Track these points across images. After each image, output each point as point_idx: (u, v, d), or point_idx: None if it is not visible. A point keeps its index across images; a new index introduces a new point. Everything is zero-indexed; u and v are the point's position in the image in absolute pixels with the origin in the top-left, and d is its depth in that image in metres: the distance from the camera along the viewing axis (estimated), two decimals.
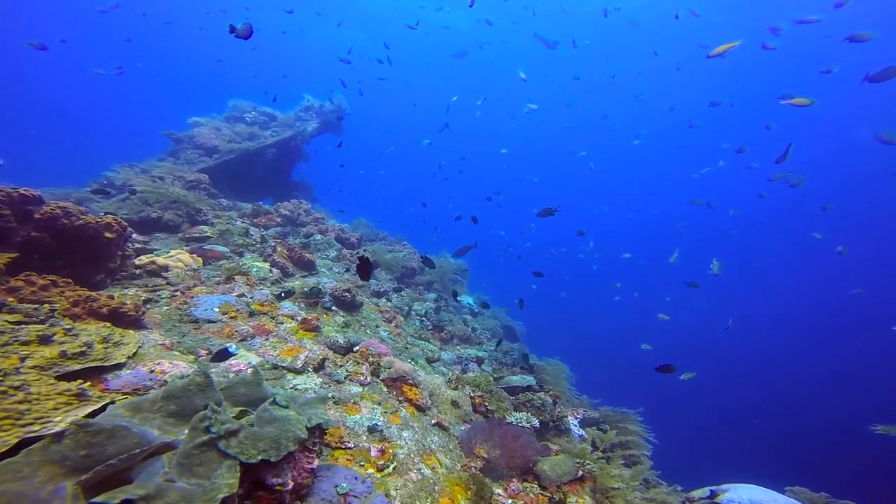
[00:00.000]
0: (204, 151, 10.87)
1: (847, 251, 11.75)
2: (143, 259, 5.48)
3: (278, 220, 8.86)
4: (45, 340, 2.77)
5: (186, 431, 2.17)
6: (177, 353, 3.56)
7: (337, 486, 2.46)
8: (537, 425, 4.70)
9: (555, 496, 3.54)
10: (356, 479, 2.59)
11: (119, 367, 3.03)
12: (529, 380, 6.08)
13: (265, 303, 4.95)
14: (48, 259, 4.56)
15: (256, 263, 6.11)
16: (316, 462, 2.34)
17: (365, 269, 3.99)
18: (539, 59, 31.98)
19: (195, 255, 5.90)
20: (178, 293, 4.74)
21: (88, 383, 2.51)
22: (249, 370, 2.57)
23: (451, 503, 3.10)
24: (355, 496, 2.46)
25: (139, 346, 3.30)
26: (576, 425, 5.24)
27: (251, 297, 4.98)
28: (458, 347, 7.39)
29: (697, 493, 4.48)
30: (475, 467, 3.53)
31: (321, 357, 4.12)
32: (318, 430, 2.45)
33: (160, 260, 5.50)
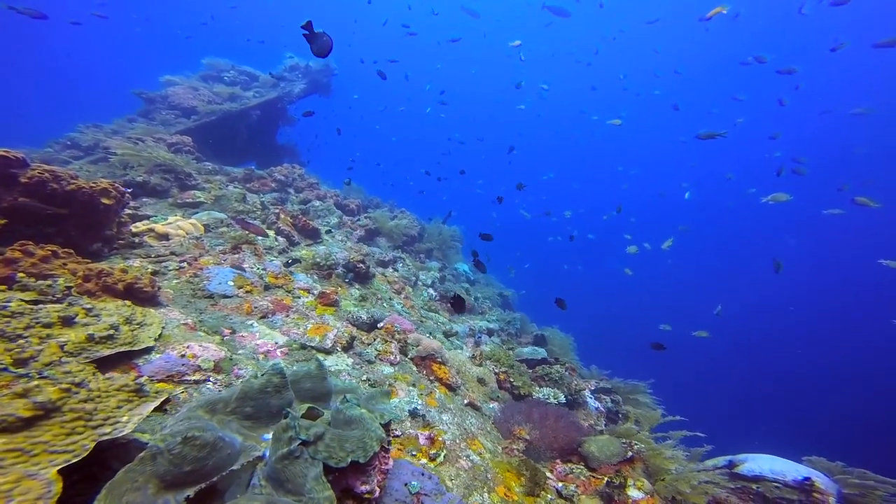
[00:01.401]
0: (181, 112, 10.12)
1: None
2: (140, 226, 5.09)
3: (273, 185, 8.41)
4: (67, 322, 2.50)
5: (270, 440, 2.01)
6: (201, 333, 3.33)
7: (407, 485, 2.36)
8: (564, 401, 4.72)
9: (614, 480, 3.49)
10: (422, 475, 2.49)
11: (148, 350, 2.79)
12: (541, 352, 6.09)
13: (279, 275, 4.69)
14: (37, 227, 4.15)
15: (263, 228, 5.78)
16: (391, 462, 2.22)
17: (460, 304, 4.48)
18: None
19: (197, 222, 5.52)
20: (185, 264, 4.42)
21: (131, 372, 2.28)
22: (313, 364, 2.38)
23: (507, 491, 3.06)
24: (426, 494, 2.37)
25: (163, 327, 3.05)
26: (591, 398, 5.30)
27: (263, 269, 4.71)
28: (464, 318, 7.33)
29: (711, 463, 4.64)
30: (518, 450, 3.49)
31: (350, 336, 3.95)
32: (387, 427, 2.32)
33: (159, 227, 5.12)
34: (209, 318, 3.59)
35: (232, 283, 4.16)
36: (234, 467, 1.78)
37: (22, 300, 2.49)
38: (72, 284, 3.00)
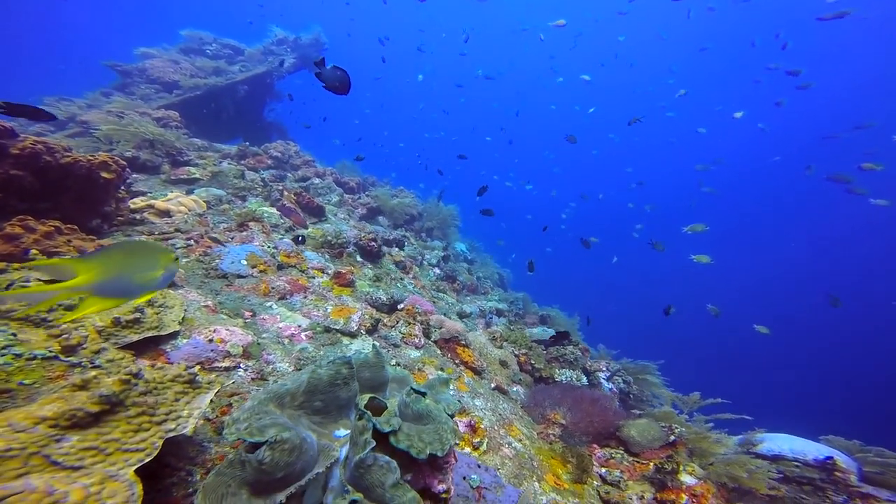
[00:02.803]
0: (162, 87, 9.60)
1: None
2: (139, 202, 4.81)
3: (269, 161, 8.08)
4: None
5: (343, 438, 1.90)
6: (223, 315, 3.16)
7: (467, 479, 2.28)
8: (586, 383, 4.71)
9: (665, 465, 3.40)
10: (479, 467, 2.42)
11: (174, 336, 2.61)
12: (550, 332, 6.07)
13: (291, 254, 4.50)
14: (31, 201, 3.87)
15: (265, 209, 5.54)
16: (455, 457, 2.13)
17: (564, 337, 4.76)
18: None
19: (198, 199, 5.24)
20: (192, 242, 4.19)
21: (160, 359, 2.12)
22: (370, 351, 2.26)
23: (557, 479, 3.01)
24: (486, 488, 2.30)
25: (185, 310, 2.87)
26: (605, 379, 5.31)
27: (274, 247, 4.51)
28: (469, 298, 7.26)
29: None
30: (553, 435, 3.45)
31: (373, 318, 3.82)
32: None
33: (159, 203, 4.84)
34: (227, 299, 3.41)
35: (245, 262, 3.96)
36: (319, 470, 1.66)
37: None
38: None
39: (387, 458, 1.69)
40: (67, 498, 1.40)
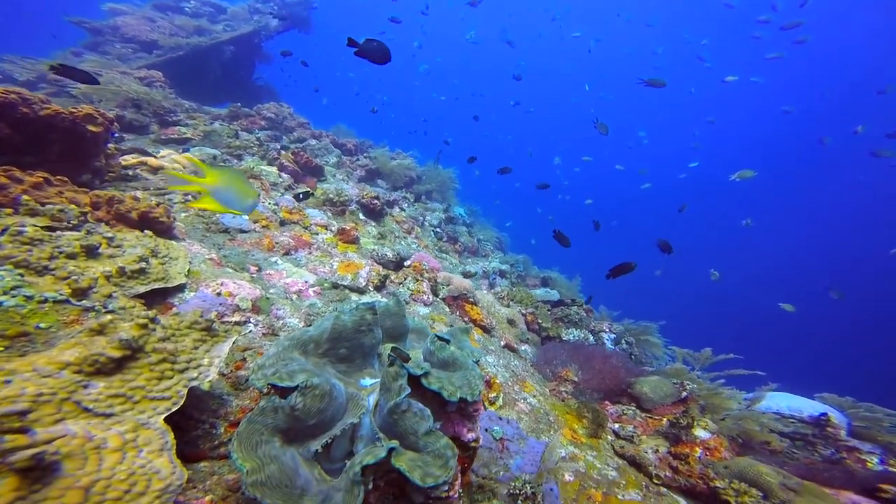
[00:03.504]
0: (139, 46, 9.03)
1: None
2: (130, 159, 4.59)
3: (262, 123, 7.77)
4: (91, 253, 2.17)
5: (370, 387, 1.83)
6: (229, 269, 3.04)
7: (490, 431, 2.25)
8: (594, 342, 4.71)
9: (680, 420, 3.42)
10: (500, 419, 2.39)
11: (181, 288, 2.50)
12: (554, 293, 6.05)
13: (293, 210, 4.35)
14: (12, 154, 3.65)
15: (263, 167, 5.34)
16: (483, 405, 2.09)
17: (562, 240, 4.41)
18: None
19: (192, 157, 5.03)
20: (190, 198, 4.03)
21: (168, 312, 2.01)
22: (392, 300, 2.18)
23: (573, 434, 3.01)
24: (509, 440, 2.27)
25: (190, 262, 2.75)
26: (610, 340, 5.33)
27: (275, 204, 4.36)
28: (471, 260, 7.19)
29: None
30: (566, 392, 3.43)
31: (381, 274, 3.73)
32: None
33: (152, 161, 4.63)
34: (231, 253, 3.29)
35: (246, 217, 3.82)
36: (353, 420, 1.60)
37: (35, 226, 2.14)
38: (86, 210, 2.63)
39: (420, 405, 1.63)
40: (107, 444, 1.34)
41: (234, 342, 1.85)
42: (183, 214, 3.68)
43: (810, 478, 3.61)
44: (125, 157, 4.57)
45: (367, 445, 1.69)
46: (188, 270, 2.63)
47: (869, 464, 4.34)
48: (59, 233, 2.19)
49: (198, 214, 3.72)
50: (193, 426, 1.94)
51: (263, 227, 3.86)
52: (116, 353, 1.43)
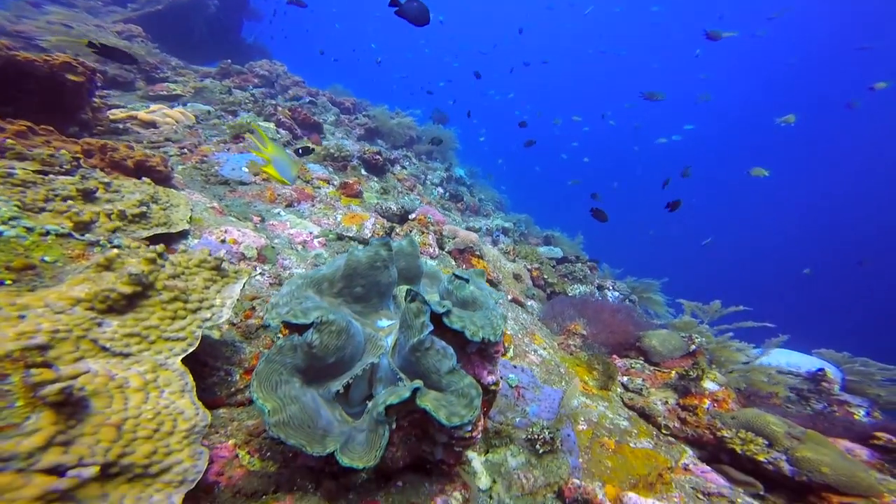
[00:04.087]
0: None
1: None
2: (119, 113, 4.37)
3: (255, 80, 7.44)
4: (88, 196, 2.05)
5: (392, 331, 1.75)
6: (232, 218, 2.93)
7: (505, 378, 2.21)
8: (600, 298, 4.68)
9: (690, 372, 3.41)
10: (515, 367, 2.35)
11: (184, 235, 2.40)
12: (557, 251, 5.99)
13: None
14: None
15: (260, 123, 5.13)
16: (503, 348, 2.03)
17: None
18: None
19: (186, 112, 4.81)
20: (186, 151, 3.86)
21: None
22: (405, 240, 2.09)
23: (584, 385, 2.99)
24: (524, 388, 2.23)
25: (191, 209, 2.63)
26: (614, 298, 5.31)
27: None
28: (473, 219, 7.08)
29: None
30: (574, 345, 3.40)
31: (387, 226, 3.63)
32: None
33: (142, 115, 4.42)
34: (233, 204, 3.17)
35: (246, 170, 3.68)
36: (372, 360, 1.53)
37: (25, 169, 2.01)
38: (79, 155, 2.48)
39: (443, 343, 1.57)
40: (129, 383, 1.30)
41: (244, 283, 1.76)
42: (180, 167, 3.53)
43: (811, 427, 3.67)
44: (113, 111, 4.35)
45: (386, 387, 1.64)
46: (190, 217, 2.52)
47: (856, 416, 4.44)
48: (51, 177, 2.06)
49: (195, 167, 3.57)
50: (209, 373, 1.89)
51: (264, 179, 3.72)
52: (127, 289, 1.35)
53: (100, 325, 1.28)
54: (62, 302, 1.25)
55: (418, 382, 1.45)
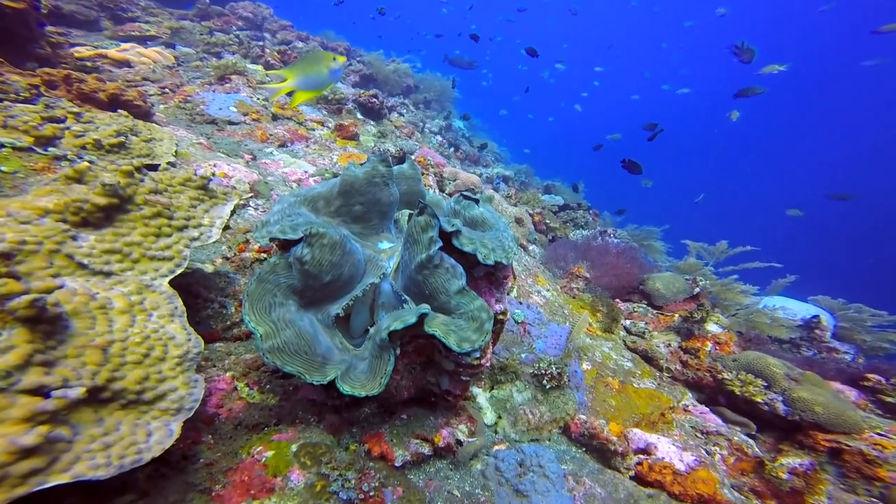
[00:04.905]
0: None
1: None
2: (84, 51, 4.07)
3: (238, 23, 6.99)
4: (56, 124, 1.89)
5: (394, 252, 1.64)
6: (221, 154, 2.77)
7: (511, 314, 2.13)
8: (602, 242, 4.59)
9: (694, 314, 3.36)
10: (521, 304, 2.27)
11: (170, 167, 2.25)
12: (558, 198, 5.88)
13: (285, 105, 3.98)
14: None
15: (248, 65, 4.84)
16: (514, 274, 1.94)
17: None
18: None
19: (163, 51, 4.50)
20: (167, 91, 3.63)
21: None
22: (406, 163, 1.96)
23: (588, 326, 2.94)
24: (530, 324, 2.16)
25: (176, 144, 2.46)
26: (615, 244, 5.22)
27: (265, 99, 3.98)
28: (472, 168, 6.89)
29: None
30: (577, 288, 3.33)
31: None
32: None
33: (113, 53, 4.12)
34: (222, 142, 3.00)
35: (235, 109, 3.48)
36: (374, 280, 1.43)
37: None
38: (36, 83, 2.28)
39: (453, 260, 1.46)
40: (113, 304, 1.21)
41: (235, 205, 1.64)
42: (162, 106, 3.32)
43: (808, 370, 3.70)
44: (78, 48, 4.05)
45: (389, 312, 1.56)
46: (176, 151, 2.36)
47: (842, 363, 4.50)
48: (6, 104, 1.88)
49: (178, 107, 3.36)
50: (202, 305, 1.80)
51: (254, 119, 3.52)
52: (102, 200, 1.23)
53: (74, 238, 1.17)
54: (27, 211, 1.13)
55: (425, 307, 1.35)
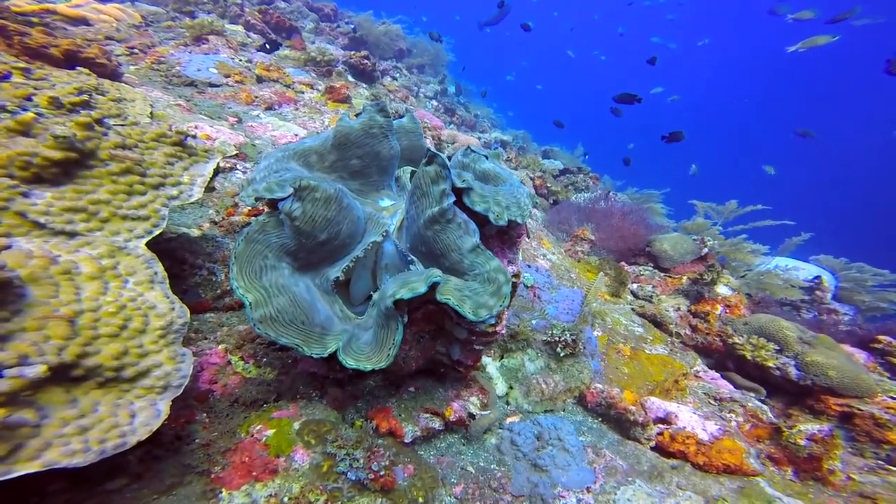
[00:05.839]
0: None
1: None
2: (23, 4, 3.65)
3: None
4: None
5: (397, 209, 1.48)
6: (203, 116, 2.56)
7: (521, 278, 2.00)
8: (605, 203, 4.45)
9: (705, 276, 3.24)
10: (529, 267, 2.14)
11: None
12: (557, 163, 5.72)
13: (271, 66, 3.72)
14: None
15: (226, 25, 4.52)
16: (528, 231, 1.78)
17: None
18: None
19: (126, 9, 4.16)
20: (136, 51, 3.35)
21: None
22: (406, 116, 1.78)
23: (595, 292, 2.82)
24: (540, 288, 2.03)
25: (151, 105, 2.24)
26: (621, 205, 5.09)
27: (248, 59, 3.72)
28: (468, 134, 6.65)
29: None
30: (581, 251, 3.20)
31: None
32: None
33: (64, 8, 3.74)
34: (203, 105, 2.78)
35: (215, 70, 3.23)
36: (375, 238, 1.27)
37: None
38: None
39: (465, 215, 1.31)
40: (80, 268, 1.05)
41: (218, 162, 1.47)
42: (132, 67, 3.07)
43: (818, 332, 3.63)
44: (14, 0, 3.68)
45: (394, 275, 1.41)
46: (151, 112, 2.14)
47: (840, 326, 4.47)
48: None
49: (151, 68, 3.10)
50: (189, 272, 1.65)
51: (238, 81, 3.28)
52: (55, 154, 1.06)
53: (26, 195, 1.00)
54: None
55: (436, 273, 1.20)
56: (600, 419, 2.00)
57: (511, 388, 1.99)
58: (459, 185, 1.29)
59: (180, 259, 1.58)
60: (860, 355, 3.49)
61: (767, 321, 3.30)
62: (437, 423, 1.62)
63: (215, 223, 1.84)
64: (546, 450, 1.57)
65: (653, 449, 1.87)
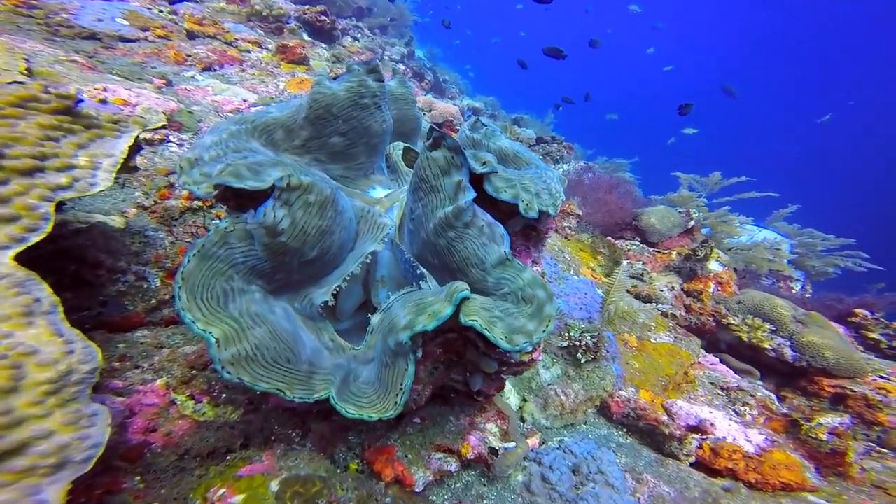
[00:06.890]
0: None
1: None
2: None
3: None
4: None
5: (395, 200, 1.09)
6: (114, 76, 2.00)
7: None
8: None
9: (698, 252, 3.05)
10: None
11: None
12: (530, 132, 5.42)
13: (204, 20, 3.10)
14: None
15: None
16: (554, 224, 1.44)
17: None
18: None
19: None
20: None
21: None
22: (394, 79, 1.37)
23: (591, 273, 2.57)
24: (549, 280, 1.71)
25: (25, 59, 1.67)
26: (608, 177, 4.90)
27: (171, 10, 3.09)
28: (438, 101, 6.18)
29: None
30: (569, 227, 2.93)
31: None
32: None
33: None
34: (116, 63, 2.20)
35: (125, 21, 2.61)
36: (374, 247, 0.89)
37: None
38: None
39: (490, 216, 0.94)
40: None
41: (134, 137, 1.02)
42: None
43: (805, 307, 3.60)
44: None
45: (393, 289, 1.03)
46: (24, 67, 1.58)
47: (794, 290, 4.55)
48: None
49: (14, 11, 2.37)
50: (108, 279, 1.20)
51: (161, 36, 2.68)
52: None
53: None
54: None
55: (462, 287, 0.84)
56: (625, 430, 1.75)
57: (525, 400, 1.70)
58: (480, 170, 0.92)
59: (93, 262, 1.13)
60: (839, 329, 3.48)
61: (762, 300, 3.19)
62: (452, 465, 1.30)
63: (144, 208, 1.38)
64: (587, 487, 1.28)
65: (692, 465, 1.64)
